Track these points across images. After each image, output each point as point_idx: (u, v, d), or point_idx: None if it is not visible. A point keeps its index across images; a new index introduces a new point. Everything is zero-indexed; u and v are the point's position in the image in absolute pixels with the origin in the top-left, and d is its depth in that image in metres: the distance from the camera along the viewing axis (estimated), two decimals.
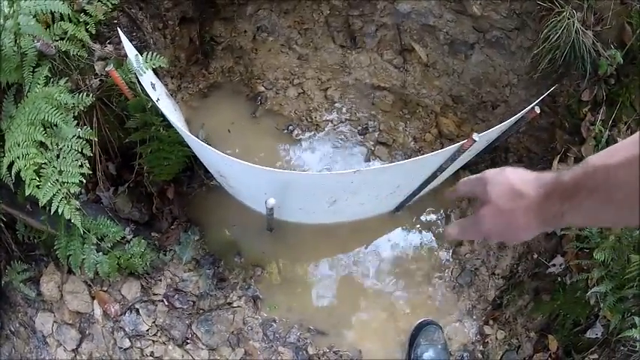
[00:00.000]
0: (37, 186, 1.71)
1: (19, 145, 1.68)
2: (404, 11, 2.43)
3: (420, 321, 2.30)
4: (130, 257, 2.14)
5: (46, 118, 1.68)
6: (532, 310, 2.27)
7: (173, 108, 2.23)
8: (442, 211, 2.41)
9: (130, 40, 2.08)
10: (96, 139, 2.06)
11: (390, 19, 2.45)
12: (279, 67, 2.44)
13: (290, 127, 2.42)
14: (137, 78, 1.88)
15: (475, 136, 1.65)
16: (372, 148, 2.40)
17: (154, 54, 1.92)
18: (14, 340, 2.34)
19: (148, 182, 2.17)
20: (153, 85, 2.01)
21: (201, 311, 2.24)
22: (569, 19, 1.97)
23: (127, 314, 2.26)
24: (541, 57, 2.08)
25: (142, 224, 2.25)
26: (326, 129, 2.43)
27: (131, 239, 2.17)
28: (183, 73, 2.40)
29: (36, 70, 1.83)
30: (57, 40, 1.90)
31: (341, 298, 2.30)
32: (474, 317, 2.33)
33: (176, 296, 2.24)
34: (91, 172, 1.85)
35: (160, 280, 2.25)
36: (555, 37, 2.00)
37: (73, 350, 2.27)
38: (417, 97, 2.43)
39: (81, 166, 1.82)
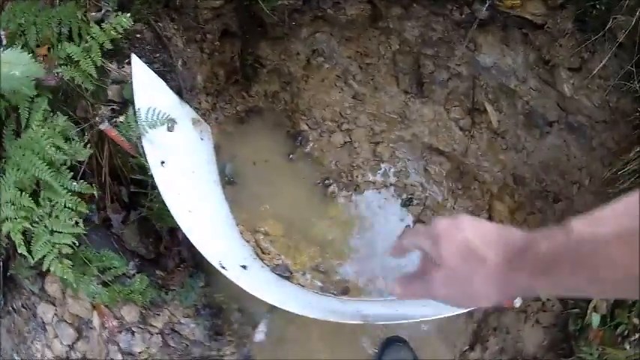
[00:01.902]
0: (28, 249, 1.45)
1: (7, 205, 1.41)
2: (484, 64, 1.86)
3: (386, 338, 1.93)
4: (130, 293, 1.84)
5: (36, 174, 1.39)
6: None
7: (199, 138, 1.79)
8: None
9: (152, 63, 1.61)
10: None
11: (466, 70, 1.89)
12: (329, 105, 1.94)
13: (326, 182, 1.94)
14: (140, 145, 1.45)
15: None
16: (410, 225, 1.91)
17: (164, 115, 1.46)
18: (15, 317, 2.14)
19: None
20: (170, 127, 1.57)
21: (192, 356, 1.96)
22: None
23: (123, 333, 2.02)
24: (623, 166, 1.58)
25: (148, 260, 1.91)
26: (365, 192, 1.94)
27: (134, 274, 1.85)
28: (221, 92, 1.93)
29: (34, 101, 1.43)
30: (60, 65, 1.46)
31: None
32: None
33: (171, 335, 1.97)
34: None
35: (159, 315, 1.96)
36: None
37: (68, 345, 2.06)
38: (476, 170, 1.92)
39: (75, 224, 1.49)
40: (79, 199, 1.47)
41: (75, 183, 1.47)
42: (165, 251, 1.91)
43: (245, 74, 1.89)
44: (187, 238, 1.87)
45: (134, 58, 1.50)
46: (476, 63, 1.86)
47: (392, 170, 1.95)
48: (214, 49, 1.81)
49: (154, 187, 1.57)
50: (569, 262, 0.54)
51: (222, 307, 1.99)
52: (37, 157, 1.37)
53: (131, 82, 1.54)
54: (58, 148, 1.41)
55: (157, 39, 1.65)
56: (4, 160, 1.47)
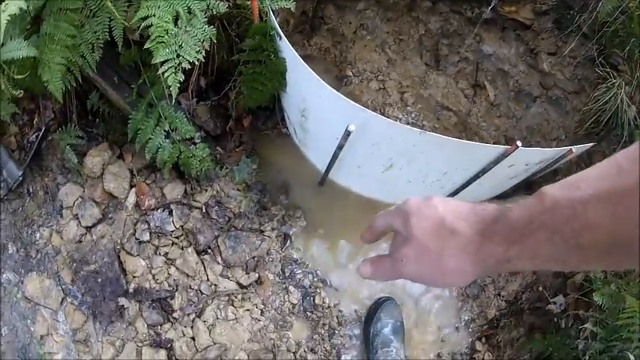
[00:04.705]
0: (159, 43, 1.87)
1: (159, 8, 1.87)
2: (486, 52, 2.70)
3: (379, 296, 2.35)
4: (191, 157, 2.24)
5: (186, 3, 1.87)
6: (522, 344, 2.33)
7: None
8: None
9: None
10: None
11: (472, 56, 2.72)
12: (369, 62, 2.68)
13: None
14: (270, 10, 2.11)
15: (519, 142, 1.78)
16: None
17: None
18: (26, 200, 2.37)
19: (233, 105, 2.34)
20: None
21: (232, 228, 2.32)
22: (618, 89, 2.17)
23: (158, 211, 2.33)
24: (588, 117, 2.30)
25: (212, 136, 2.39)
26: None
27: (198, 143, 2.31)
28: (287, 37, 2.64)
29: None
30: None
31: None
32: (470, 330, 2.39)
33: (215, 207, 2.33)
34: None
35: (207, 190, 2.35)
36: (603, 102, 2.20)
37: (86, 227, 2.32)
38: (476, 127, 2.64)
39: (198, 51, 2.00)
40: (208, 35, 2.04)
41: (206, 26, 2.06)
42: (228, 132, 2.39)
43: (312, 25, 2.66)
44: (250, 127, 2.43)
45: None
46: (480, 51, 2.70)
47: (413, 113, 2.62)
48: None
49: (263, 49, 2.16)
50: (544, 228, 0.56)
51: (268, 187, 2.44)
52: None
53: None
54: None
55: None
56: None
